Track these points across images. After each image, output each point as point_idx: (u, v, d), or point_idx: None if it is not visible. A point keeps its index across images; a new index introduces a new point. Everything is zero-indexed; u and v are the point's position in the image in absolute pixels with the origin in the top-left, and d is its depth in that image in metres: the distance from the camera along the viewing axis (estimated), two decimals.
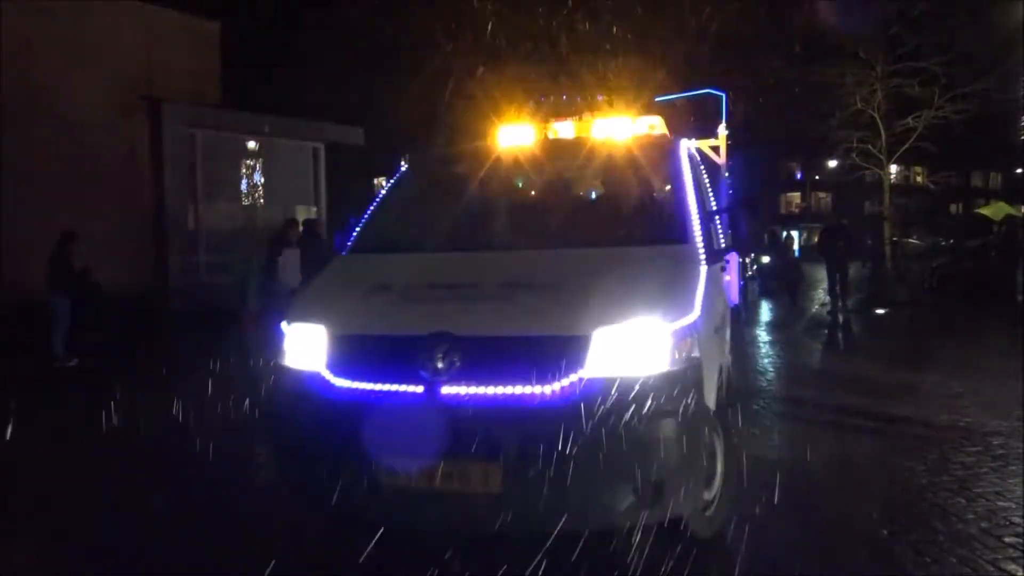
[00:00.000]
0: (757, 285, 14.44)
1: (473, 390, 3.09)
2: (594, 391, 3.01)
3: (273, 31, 15.49)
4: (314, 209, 16.17)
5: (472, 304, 3.39)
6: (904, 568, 3.49)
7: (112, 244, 12.36)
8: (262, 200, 16.32)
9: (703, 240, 3.86)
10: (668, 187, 4.31)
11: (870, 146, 20.34)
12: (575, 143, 5.14)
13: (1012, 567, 3.46)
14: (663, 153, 4.59)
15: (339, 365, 3.35)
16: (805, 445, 5.59)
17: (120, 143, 13.71)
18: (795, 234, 39.37)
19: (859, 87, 19.65)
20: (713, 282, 3.96)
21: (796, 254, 32.65)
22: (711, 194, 5.29)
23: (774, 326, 12.71)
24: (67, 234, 9.78)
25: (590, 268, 3.55)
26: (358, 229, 4.46)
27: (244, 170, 16.35)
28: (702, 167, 5.42)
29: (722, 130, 6.63)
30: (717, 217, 4.92)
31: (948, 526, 3.93)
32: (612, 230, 4.08)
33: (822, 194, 54.35)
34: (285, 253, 8.94)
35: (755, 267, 13.77)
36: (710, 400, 3.45)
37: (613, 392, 3.01)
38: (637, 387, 3.03)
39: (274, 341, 3.71)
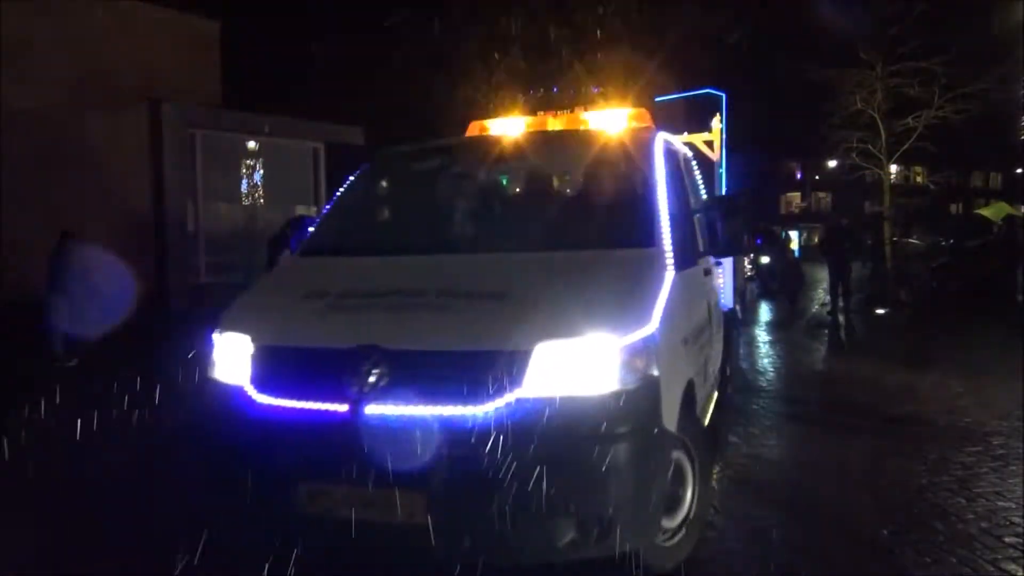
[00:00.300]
0: (756, 286, 14.42)
1: (400, 410, 2.80)
2: (532, 413, 2.73)
3: (272, 31, 15.47)
4: (314, 209, 16.16)
5: (406, 314, 3.09)
6: (904, 568, 3.49)
7: (112, 244, 12.35)
8: (262, 200, 16.32)
9: (675, 243, 3.57)
10: (638, 185, 3.97)
11: (870, 146, 20.33)
12: (540, 138, 4.76)
13: (1012, 567, 3.46)
14: (635, 148, 4.20)
15: (261, 379, 3.06)
16: (805, 445, 5.60)
17: (120, 143, 13.71)
18: (794, 234, 39.40)
19: (859, 87, 19.66)
20: (688, 288, 3.76)
21: (796, 254, 32.69)
22: (701, 192, 5.12)
23: (774, 326, 12.71)
24: (67, 233, 9.78)
25: (541, 274, 3.28)
26: (311, 230, 4.22)
27: (244, 170, 16.35)
28: (690, 163, 5.22)
29: (716, 124, 6.47)
30: (697, 217, 4.55)
31: (948, 526, 3.93)
32: (572, 232, 3.75)
33: (822, 194, 54.36)
34: (285, 253, 8.91)
35: (754, 268, 13.74)
36: (670, 420, 3.12)
37: (553, 414, 2.73)
38: (581, 408, 2.77)
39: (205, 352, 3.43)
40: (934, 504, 4.25)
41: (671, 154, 4.43)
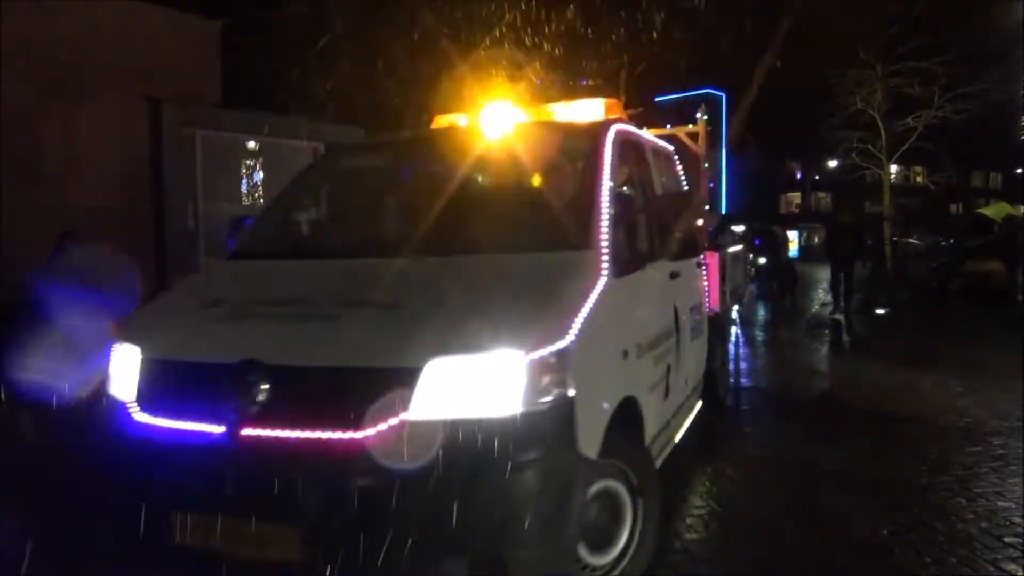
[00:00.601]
0: (755, 287, 14.38)
1: (278, 433, 2.52)
2: (420, 438, 2.43)
3: (273, 29, 15.47)
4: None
5: (295, 326, 2.81)
6: (904, 568, 3.49)
7: (111, 244, 12.35)
8: (262, 200, 16.31)
9: (618, 245, 3.28)
10: (576, 182, 3.65)
11: (870, 146, 20.36)
12: (481, 132, 4.34)
13: (1012, 567, 3.46)
14: (581, 141, 3.85)
15: (146, 396, 2.82)
16: (805, 445, 5.60)
17: (120, 143, 13.71)
18: (793, 234, 39.36)
19: (859, 87, 19.68)
20: (636, 294, 3.46)
21: (794, 254, 32.62)
22: (681, 188, 4.89)
23: (772, 327, 12.70)
24: (66, 234, 9.77)
25: (450, 282, 2.98)
26: (246, 230, 3.96)
27: (244, 170, 16.35)
28: (667, 158, 4.91)
29: (701, 115, 6.22)
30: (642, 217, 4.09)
31: (948, 526, 3.93)
32: (500, 234, 3.43)
33: (822, 194, 54.36)
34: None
35: (753, 269, 13.68)
36: (591, 444, 2.73)
37: (445, 439, 2.43)
38: (476, 433, 2.45)
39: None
40: (934, 504, 4.24)
41: (629, 148, 4.09)
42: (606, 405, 2.93)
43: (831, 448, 5.42)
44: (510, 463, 2.45)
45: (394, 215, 3.97)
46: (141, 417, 2.79)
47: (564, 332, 2.67)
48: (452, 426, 2.46)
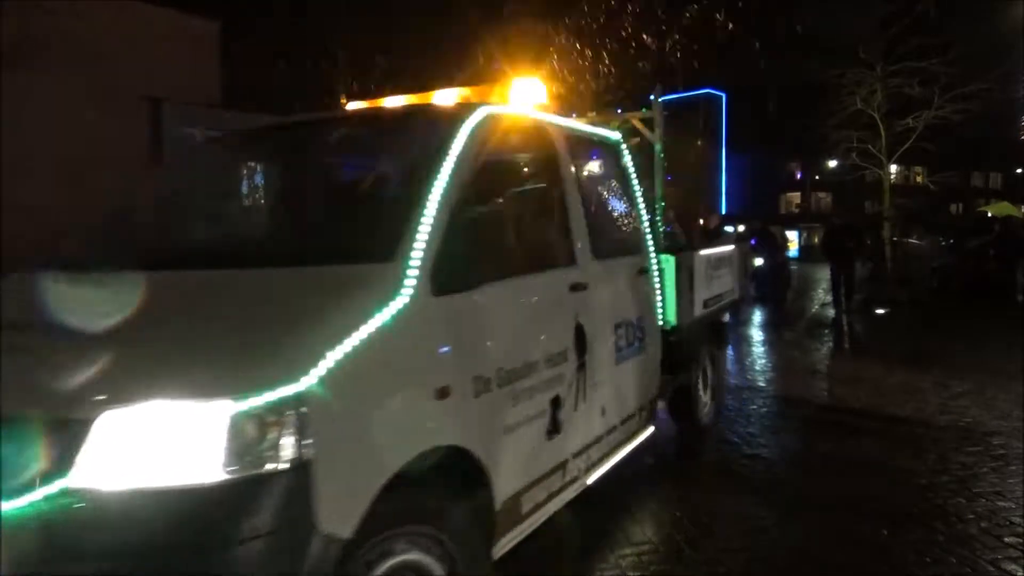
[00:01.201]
0: (753, 289, 14.34)
1: None
2: (85, 512, 1.88)
3: (271, 29, 15.51)
4: None
5: (7, 359, 2.22)
6: (904, 568, 3.49)
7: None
8: (262, 200, 16.31)
9: (442, 257, 2.56)
10: (399, 180, 3.11)
11: (870, 146, 20.37)
12: (328, 125, 3.81)
13: (1012, 567, 3.46)
14: (423, 131, 3.16)
15: None
16: (805, 445, 5.60)
17: (120, 143, 13.71)
18: (793, 234, 39.36)
19: (859, 87, 19.69)
20: (478, 316, 2.74)
21: (794, 254, 32.59)
22: (599, 188, 4.26)
23: (774, 327, 12.69)
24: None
25: (192, 305, 2.41)
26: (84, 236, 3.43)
27: (244, 170, 16.34)
28: (587, 151, 4.26)
29: (655, 97, 5.63)
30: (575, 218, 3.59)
31: (948, 526, 3.93)
32: (299, 241, 2.96)
33: (822, 194, 54.39)
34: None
35: (751, 271, 13.57)
36: (347, 518, 2.07)
37: (119, 514, 1.89)
38: (155, 509, 1.88)
39: None
40: (934, 504, 4.24)
41: (516, 139, 3.38)
42: (388, 463, 2.23)
43: (830, 448, 5.41)
44: (202, 549, 1.87)
45: (202, 219, 3.38)
46: None
47: (299, 372, 2.02)
48: (126, 497, 1.89)
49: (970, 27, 19.98)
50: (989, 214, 21.19)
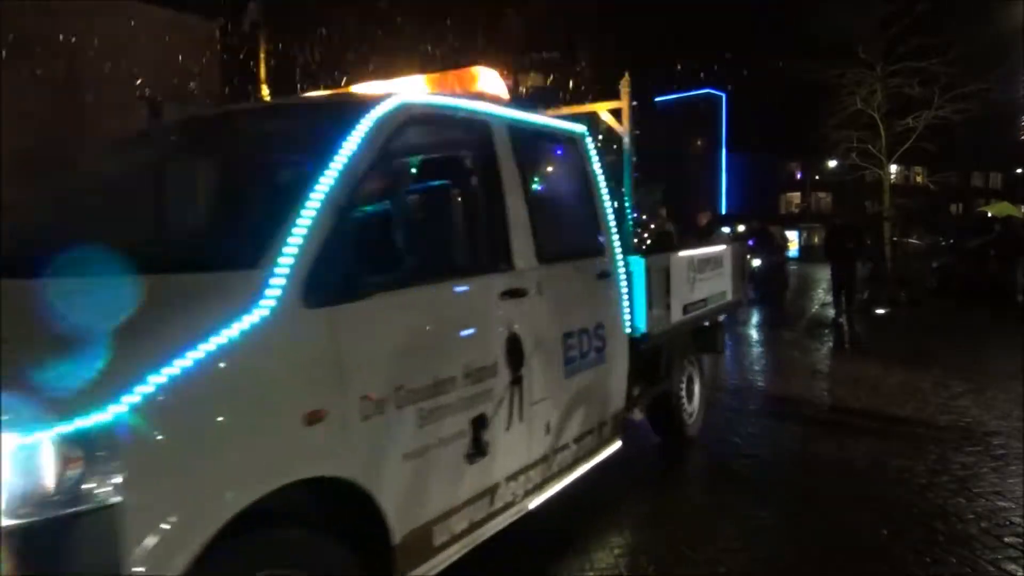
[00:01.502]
0: (752, 291, 14.31)
1: None
2: None
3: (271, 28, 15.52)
4: None
5: None
6: (904, 568, 3.49)
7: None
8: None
9: (321, 262, 2.28)
10: (284, 178, 2.87)
11: (870, 146, 20.39)
12: (230, 117, 3.58)
13: (1012, 567, 3.46)
14: (320, 124, 2.87)
15: None
16: (805, 445, 5.60)
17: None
18: (793, 234, 39.33)
19: (859, 87, 19.71)
20: (368, 326, 2.43)
21: (794, 254, 32.55)
22: (537, 184, 3.79)
23: (773, 327, 12.69)
24: None
25: (14, 317, 2.05)
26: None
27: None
28: (544, 146, 3.97)
29: (624, 87, 5.31)
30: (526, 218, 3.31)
31: (948, 526, 3.92)
32: (167, 246, 2.73)
33: (822, 194, 54.40)
34: None
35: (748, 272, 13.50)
36: (163, 570, 1.77)
37: None
38: None
39: None
40: (934, 504, 4.24)
41: (415, 131, 3.01)
42: (230, 501, 1.94)
43: (831, 448, 5.41)
44: None
45: (81, 222, 3.03)
46: None
47: (109, 399, 1.74)
48: None
49: (970, 27, 19.97)
50: (989, 214, 21.18)
